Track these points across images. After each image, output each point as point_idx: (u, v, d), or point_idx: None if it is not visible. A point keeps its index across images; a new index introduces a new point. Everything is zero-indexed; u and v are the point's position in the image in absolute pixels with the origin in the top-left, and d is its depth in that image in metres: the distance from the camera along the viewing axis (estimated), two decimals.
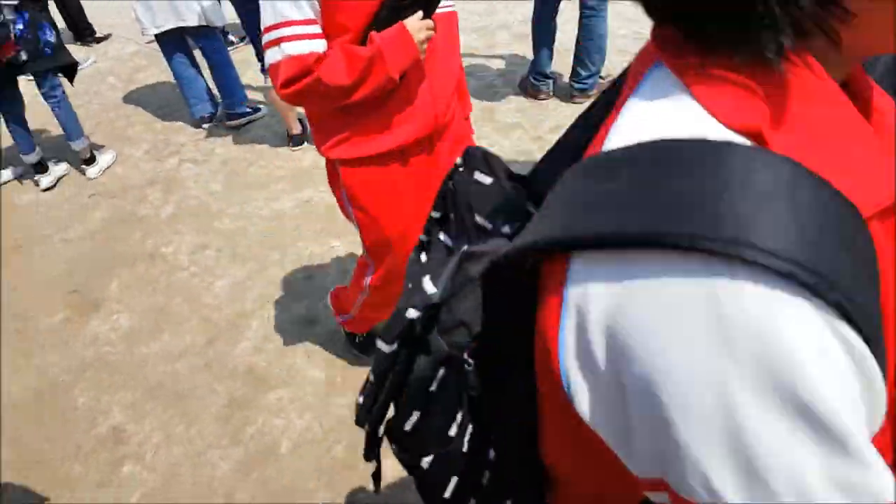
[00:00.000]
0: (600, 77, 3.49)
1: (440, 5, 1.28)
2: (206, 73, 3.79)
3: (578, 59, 3.41)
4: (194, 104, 3.76)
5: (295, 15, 1.20)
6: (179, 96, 4.11)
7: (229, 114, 3.76)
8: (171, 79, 4.05)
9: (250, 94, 3.92)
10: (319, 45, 1.23)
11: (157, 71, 4.81)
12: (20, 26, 3.01)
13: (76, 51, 4.96)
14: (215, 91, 3.85)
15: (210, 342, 2.35)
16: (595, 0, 3.22)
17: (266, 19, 1.23)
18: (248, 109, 3.78)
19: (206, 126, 3.85)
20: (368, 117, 1.35)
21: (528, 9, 3.60)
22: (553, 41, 3.48)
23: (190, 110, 3.82)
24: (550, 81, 3.58)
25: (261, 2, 1.24)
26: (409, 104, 1.36)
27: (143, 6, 3.37)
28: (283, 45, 1.21)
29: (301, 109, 3.60)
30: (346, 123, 1.38)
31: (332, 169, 1.57)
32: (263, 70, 3.20)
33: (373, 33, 1.21)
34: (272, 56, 1.23)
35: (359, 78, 1.22)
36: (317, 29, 1.23)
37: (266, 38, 1.23)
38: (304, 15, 1.21)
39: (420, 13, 1.23)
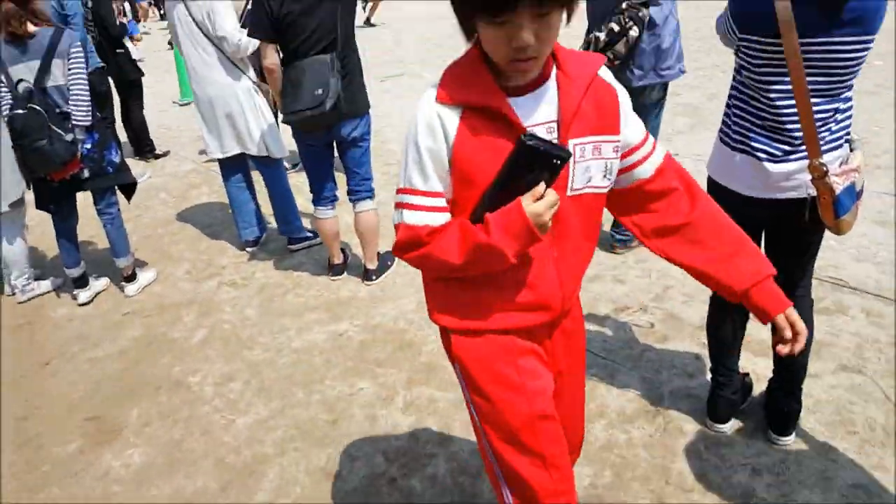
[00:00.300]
0: None
1: (591, 184, 1.17)
2: (259, 197, 3.89)
3: None
4: (243, 227, 3.84)
5: (420, 184, 1.15)
6: (228, 217, 4.21)
7: (291, 238, 3.83)
8: (223, 199, 4.17)
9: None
10: (438, 219, 1.16)
11: (210, 190, 4.99)
12: (88, 145, 3.15)
13: (134, 165, 5.21)
14: (264, 214, 3.95)
15: (223, 489, 2.20)
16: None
17: (399, 178, 1.20)
18: (310, 234, 3.86)
19: (250, 249, 3.90)
20: (487, 289, 1.24)
21: None
22: None
23: (238, 233, 3.89)
24: None
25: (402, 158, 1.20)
26: (533, 283, 1.22)
27: (209, 130, 3.54)
28: (404, 212, 1.17)
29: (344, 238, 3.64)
30: (461, 290, 1.26)
31: (445, 337, 1.39)
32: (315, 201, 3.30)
33: (487, 215, 1.11)
34: (395, 216, 1.20)
35: (470, 259, 1.13)
36: (440, 202, 1.16)
37: (395, 197, 1.20)
38: (429, 186, 1.15)
39: (542, 185, 1.09)
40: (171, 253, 4.02)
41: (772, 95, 1.76)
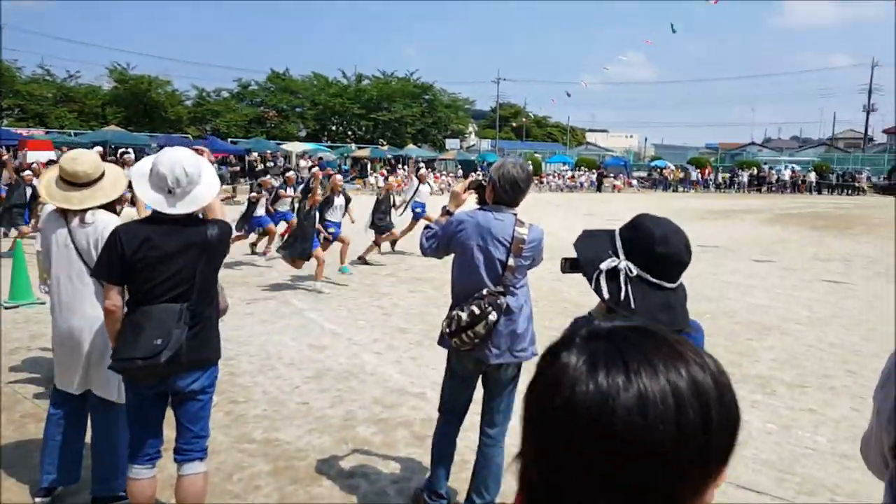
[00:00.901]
0: None
1: None
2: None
3: (474, 486, 3.25)
4: (47, 471, 3.25)
5: None
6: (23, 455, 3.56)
7: (98, 498, 3.22)
8: (22, 434, 3.57)
9: None
10: None
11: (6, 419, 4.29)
12: None
13: None
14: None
15: None
16: (494, 429, 3.21)
17: None
18: (124, 495, 3.16)
19: (39, 500, 3.24)
20: None
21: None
22: (452, 459, 3.36)
23: (40, 476, 3.27)
24: (444, 502, 3.35)
25: None
26: None
27: (61, 363, 3.23)
28: None
29: None
30: None
31: None
32: None
33: None
34: None
35: None
36: None
37: None
38: None
39: None
40: None
41: None
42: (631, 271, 1.62)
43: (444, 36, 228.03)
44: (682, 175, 39.60)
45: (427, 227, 3.33)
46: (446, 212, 3.22)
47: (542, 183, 36.47)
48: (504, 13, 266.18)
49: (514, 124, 63.49)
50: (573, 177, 39.52)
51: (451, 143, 46.93)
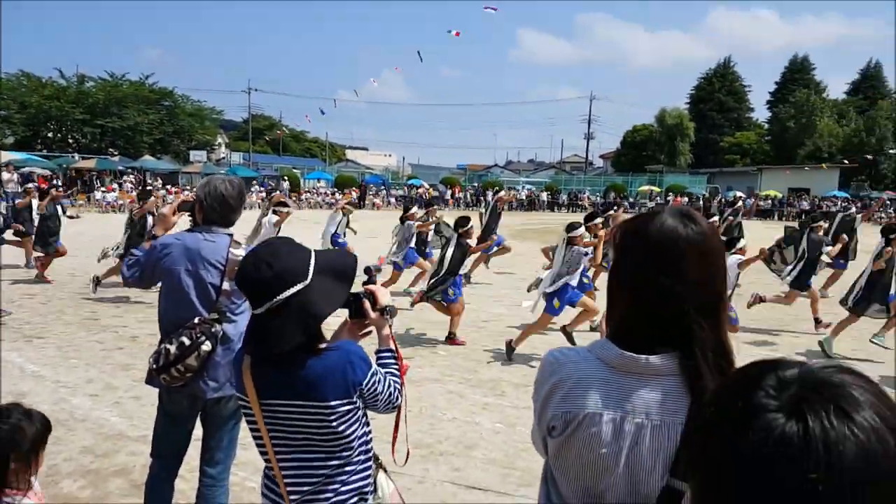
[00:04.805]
0: None
1: None
2: None
3: None
4: None
5: None
6: None
7: None
8: None
9: None
10: None
11: None
12: None
13: None
14: None
15: None
16: (216, 468, 2.94)
17: None
18: None
19: None
20: None
21: None
22: None
23: None
24: None
25: None
26: None
27: None
28: None
29: None
30: None
31: None
32: None
33: None
34: None
35: None
36: None
37: None
38: None
39: None
40: None
41: None
42: None
43: (191, 40, 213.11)
44: (436, 194, 41.94)
45: (130, 253, 2.95)
46: (151, 236, 2.88)
47: (300, 199, 35.85)
48: (256, 22, 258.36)
49: (268, 137, 61.56)
50: (333, 194, 39.58)
51: (197, 155, 43.22)
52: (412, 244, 10.09)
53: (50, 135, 42.39)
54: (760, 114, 62.54)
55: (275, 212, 9.08)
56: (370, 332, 2.04)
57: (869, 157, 47.24)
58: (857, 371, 0.68)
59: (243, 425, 2.40)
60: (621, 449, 1.17)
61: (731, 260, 6.72)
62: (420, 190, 41.68)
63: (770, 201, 41.00)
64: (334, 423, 1.72)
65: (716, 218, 11.98)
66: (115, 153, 39.74)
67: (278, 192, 12.96)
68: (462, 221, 7.62)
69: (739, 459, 0.64)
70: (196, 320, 2.71)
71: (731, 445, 0.65)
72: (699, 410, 0.74)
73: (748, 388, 0.68)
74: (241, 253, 2.79)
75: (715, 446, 0.67)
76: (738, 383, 0.70)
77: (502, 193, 13.54)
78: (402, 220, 10.27)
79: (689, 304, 1.17)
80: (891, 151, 48.16)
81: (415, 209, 11.05)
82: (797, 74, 58.53)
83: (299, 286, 1.71)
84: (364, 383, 1.78)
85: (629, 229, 1.30)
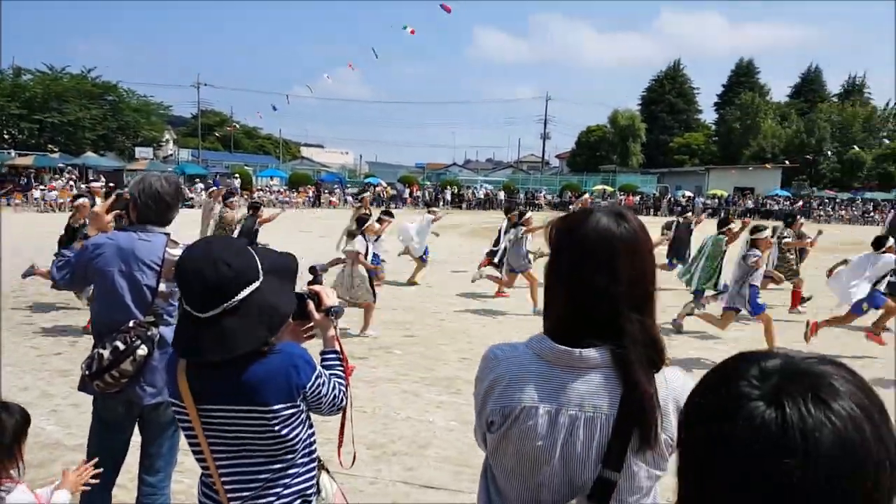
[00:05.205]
0: None
1: None
2: None
3: None
4: None
5: None
6: None
7: None
8: None
9: None
10: None
11: None
12: None
13: None
14: None
15: None
16: (156, 476, 2.83)
17: None
18: None
19: None
20: None
21: None
22: None
23: None
24: None
25: None
26: None
27: None
28: None
29: None
30: None
31: None
32: None
33: None
34: None
35: None
36: None
37: None
38: None
39: None
40: None
41: None
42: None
43: (137, 32, 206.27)
44: (394, 192, 41.68)
45: (60, 254, 2.81)
46: (84, 236, 2.75)
47: (253, 197, 35.22)
48: (206, 13, 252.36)
49: (218, 134, 60.12)
50: (286, 191, 38.99)
51: (143, 152, 41.75)
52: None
53: None
54: (708, 115, 64.42)
55: (379, 220, 8.39)
56: (314, 334, 1.98)
57: (809, 157, 49.44)
58: (839, 362, 0.70)
59: None
60: (556, 441, 1.20)
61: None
62: (378, 188, 41.40)
63: (717, 200, 42.21)
64: (277, 428, 1.67)
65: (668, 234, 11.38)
66: (56, 150, 38.15)
67: (366, 195, 12.81)
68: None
69: (723, 447, 0.66)
70: (131, 323, 2.60)
71: (715, 433, 0.67)
72: (689, 400, 0.75)
73: (732, 378, 0.70)
74: (178, 253, 2.68)
75: (699, 434, 0.69)
76: (723, 373, 0.72)
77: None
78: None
79: (622, 303, 1.21)
80: (829, 152, 50.40)
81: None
82: (743, 77, 60.29)
83: (255, 285, 1.66)
84: (308, 386, 1.73)
85: (563, 228, 1.31)
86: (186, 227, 9.73)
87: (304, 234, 19.31)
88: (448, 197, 42.62)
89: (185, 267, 1.66)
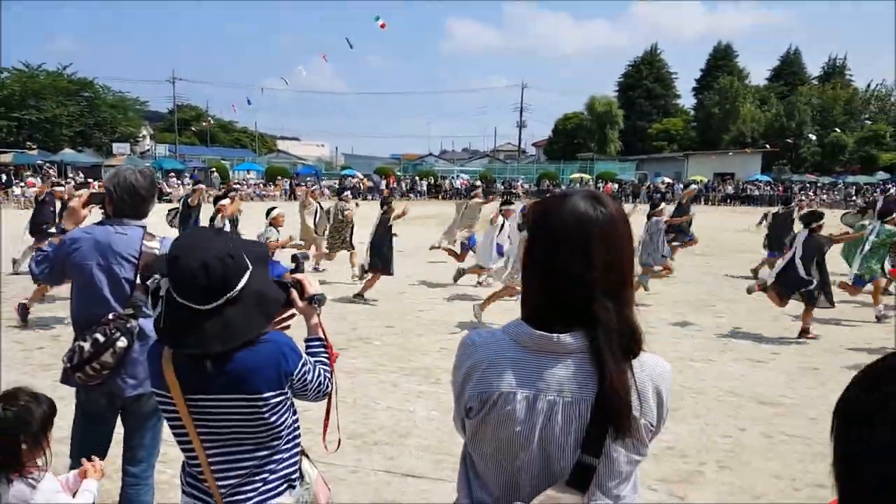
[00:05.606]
0: None
1: None
2: None
3: None
4: None
5: None
6: None
7: None
8: None
9: None
10: None
11: None
12: None
13: None
14: None
15: None
16: (138, 467, 2.87)
17: None
18: None
19: None
20: None
21: None
22: None
23: None
24: None
25: None
26: None
27: None
28: None
29: None
30: None
31: None
32: None
33: None
34: None
35: None
36: None
37: None
38: None
39: None
40: None
41: None
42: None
43: (110, 28, 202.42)
44: (370, 184, 41.50)
45: (39, 249, 2.83)
46: (61, 230, 2.77)
47: (234, 191, 34.90)
48: (178, 8, 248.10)
49: (195, 128, 59.37)
50: (264, 185, 38.71)
51: (120, 147, 41.49)
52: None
53: None
54: (687, 101, 64.32)
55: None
56: (289, 325, 2.02)
57: (789, 141, 49.36)
58: None
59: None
60: (534, 426, 1.19)
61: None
62: (354, 180, 41.15)
63: (695, 186, 42.14)
64: (266, 415, 1.71)
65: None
66: (34, 147, 37.67)
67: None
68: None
69: (878, 448, 0.65)
70: (110, 316, 2.62)
71: (869, 434, 0.66)
72: (842, 397, 0.75)
73: (888, 379, 0.69)
74: (154, 245, 2.71)
75: (854, 435, 0.69)
76: (879, 373, 0.71)
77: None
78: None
79: (597, 289, 1.20)
80: (810, 136, 50.32)
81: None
82: (721, 61, 60.11)
83: (248, 273, 1.69)
84: (295, 373, 1.78)
85: (539, 212, 1.30)
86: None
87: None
88: (424, 187, 42.52)
89: (186, 262, 1.64)
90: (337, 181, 42.80)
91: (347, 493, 3.69)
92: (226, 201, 8.96)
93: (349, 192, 12.05)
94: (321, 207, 12.10)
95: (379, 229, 9.04)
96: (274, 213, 8.78)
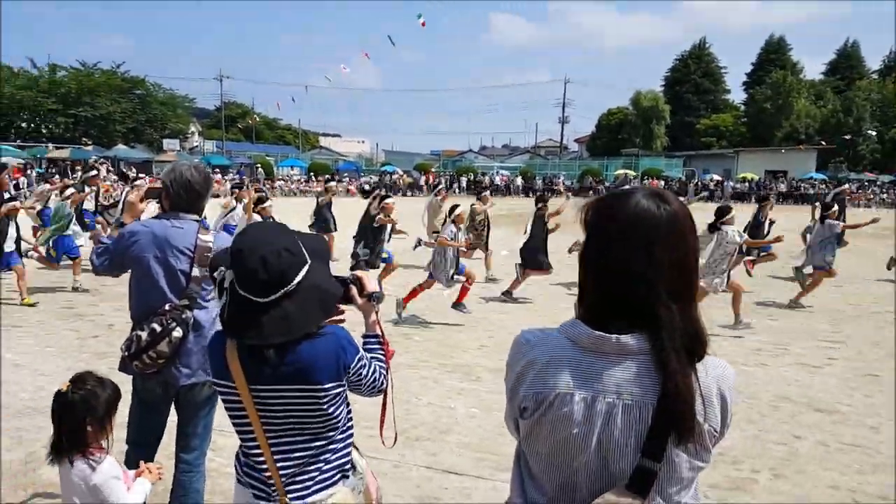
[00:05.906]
0: None
1: None
2: None
3: None
4: None
5: None
6: None
7: None
8: None
9: None
10: None
11: None
12: None
13: None
14: None
15: None
16: (192, 454, 2.94)
17: None
18: None
19: None
20: None
21: None
22: None
23: None
24: None
25: None
26: None
27: None
28: None
29: None
30: None
31: None
32: None
33: None
34: None
35: None
36: None
37: None
38: None
39: None
40: None
41: None
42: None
43: (159, 26, 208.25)
44: (410, 180, 41.72)
45: (99, 241, 2.92)
46: (119, 224, 2.85)
47: (274, 188, 35.59)
48: (225, 8, 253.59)
49: (241, 125, 60.71)
50: (308, 181, 39.35)
51: (170, 144, 42.67)
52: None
53: (24, 125, 41.81)
54: (737, 95, 62.64)
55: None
56: (343, 319, 2.03)
57: (847, 137, 47.26)
58: None
59: (220, 411, 2.40)
60: (593, 429, 1.17)
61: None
62: (394, 176, 41.42)
63: (746, 184, 41.19)
64: (325, 406, 1.75)
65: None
66: (89, 143, 39.29)
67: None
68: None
69: None
70: (166, 307, 2.69)
71: None
72: None
73: None
74: (209, 239, 2.76)
75: None
76: None
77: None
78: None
79: (660, 289, 1.16)
80: (869, 132, 48.24)
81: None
82: (773, 55, 58.40)
83: (306, 267, 1.72)
84: (352, 366, 1.81)
85: (601, 208, 1.27)
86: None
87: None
88: (464, 184, 42.39)
89: (247, 255, 1.67)
90: (377, 176, 43.25)
91: (391, 487, 3.71)
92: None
93: (488, 192, 12.20)
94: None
95: (535, 228, 9.13)
96: (457, 210, 8.18)
